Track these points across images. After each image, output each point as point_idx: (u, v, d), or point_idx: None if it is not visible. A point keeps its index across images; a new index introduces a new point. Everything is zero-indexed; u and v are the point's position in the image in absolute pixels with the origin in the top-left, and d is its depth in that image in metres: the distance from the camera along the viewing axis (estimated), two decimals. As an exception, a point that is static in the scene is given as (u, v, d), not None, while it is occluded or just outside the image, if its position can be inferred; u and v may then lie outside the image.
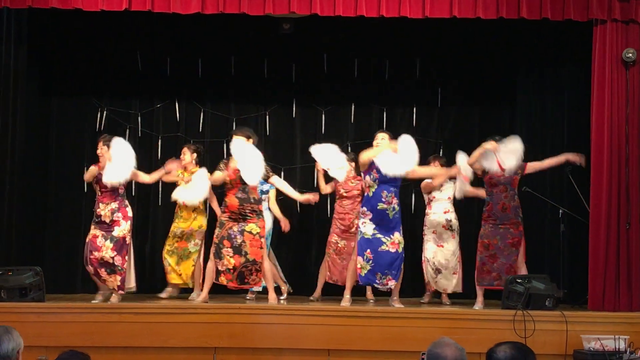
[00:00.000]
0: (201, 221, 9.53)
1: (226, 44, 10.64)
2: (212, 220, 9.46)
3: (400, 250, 8.69)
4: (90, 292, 9.20)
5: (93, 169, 8.93)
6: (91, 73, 10.51)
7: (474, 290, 9.17)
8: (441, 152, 10.46)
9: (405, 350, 7.87)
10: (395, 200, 8.71)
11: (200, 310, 8.31)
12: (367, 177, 8.73)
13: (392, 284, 8.69)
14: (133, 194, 10.27)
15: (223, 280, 8.69)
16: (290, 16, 9.49)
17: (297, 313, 8.28)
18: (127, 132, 10.42)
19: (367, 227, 8.65)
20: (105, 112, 10.51)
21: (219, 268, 8.65)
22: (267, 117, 10.74)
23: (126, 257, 8.83)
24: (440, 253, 9.55)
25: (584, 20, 8.86)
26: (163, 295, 9.46)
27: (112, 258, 8.72)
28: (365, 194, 8.85)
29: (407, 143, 8.77)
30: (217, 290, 9.33)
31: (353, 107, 10.78)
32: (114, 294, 8.78)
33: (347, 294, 8.83)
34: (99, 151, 8.96)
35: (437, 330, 7.69)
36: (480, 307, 8.77)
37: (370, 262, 8.60)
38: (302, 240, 10.64)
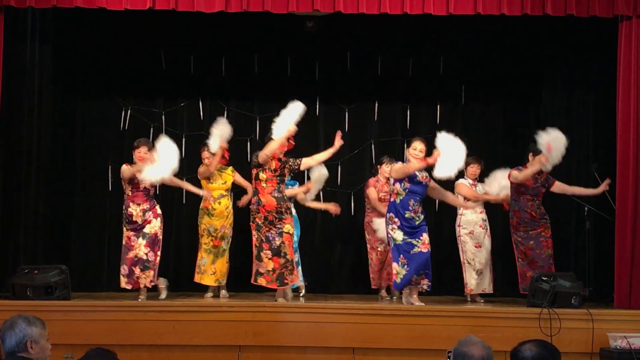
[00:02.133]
0: (232, 217, 9.55)
1: (250, 42, 10.66)
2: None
3: (429, 249, 8.65)
4: (115, 290, 9.23)
5: (128, 169, 8.89)
6: (115, 72, 10.54)
7: (504, 291, 9.15)
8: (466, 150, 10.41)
9: (431, 349, 7.85)
10: (420, 209, 8.68)
11: (225, 309, 8.31)
12: (397, 185, 8.68)
13: (425, 283, 8.63)
14: (157, 192, 10.31)
15: (262, 281, 8.69)
16: (313, 14, 9.48)
17: (322, 311, 8.27)
18: (152, 130, 10.44)
19: (397, 233, 8.62)
20: (129, 111, 10.54)
21: (259, 270, 8.65)
22: (291, 115, 10.72)
23: (158, 253, 8.90)
24: (480, 254, 9.48)
25: (609, 16, 8.80)
26: (209, 294, 9.47)
27: (146, 254, 8.79)
28: (392, 199, 8.77)
29: (448, 141, 8.70)
30: (239, 289, 9.39)
31: (377, 104, 10.77)
32: (161, 292, 8.93)
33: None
34: (141, 154, 8.89)
35: (462, 329, 7.67)
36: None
37: (406, 266, 8.57)
38: (326, 239, 10.64)
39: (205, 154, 9.43)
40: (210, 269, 9.40)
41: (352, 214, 10.57)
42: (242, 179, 9.63)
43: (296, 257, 9.46)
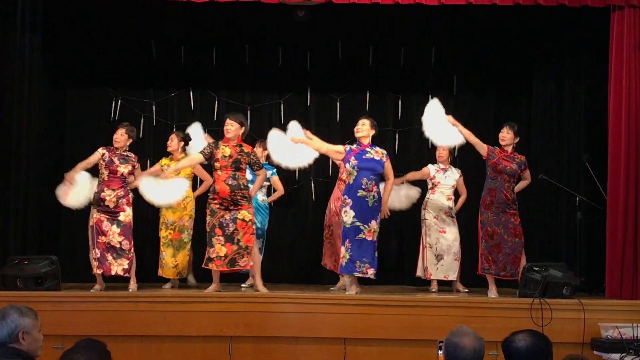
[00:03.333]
0: (191, 209, 9.50)
1: (240, 32, 10.63)
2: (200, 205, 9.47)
3: (374, 238, 8.59)
4: (105, 281, 9.18)
5: (101, 152, 8.87)
6: (106, 62, 10.50)
7: (472, 279, 9.13)
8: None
9: (422, 339, 7.85)
10: (375, 189, 8.61)
11: (216, 299, 8.30)
12: (347, 165, 8.63)
13: (371, 272, 8.58)
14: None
15: (213, 266, 8.63)
16: (304, 4, 9.48)
17: (313, 302, 8.26)
18: (142, 121, 10.41)
19: (347, 216, 8.58)
20: (119, 101, 10.51)
21: (210, 255, 8.62)
22: (282, 105, 10.72)
23: (132, 242, 8.84)
24: (443, 238, 9.47)
25: (601, 6, 8.80)
26: (167, 286, 9.42)
27: (120, 243, 8.74)
28: (346, 181, 8.72)
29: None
30: (229, 279, 9.36)
31: (368, 94, 10.76)
32: (130, 283, 8.82)
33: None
34: (118, 137, 8.88)
35: (454, 319, 7.65)
36: (495, 295, 8.71)
37: (349, 250, 8.55)
38: (318, 230, 10.63)
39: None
40: (171, 262, 9.38)
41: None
42: (203, 172, 9.54)
43: (259, 244, 9.48)
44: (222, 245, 8.55)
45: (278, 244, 10.60)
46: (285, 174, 9.96)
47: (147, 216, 10.13)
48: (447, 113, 9.01)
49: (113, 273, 8.77)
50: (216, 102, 10.62)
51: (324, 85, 10.77)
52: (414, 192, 9.71)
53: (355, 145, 8.73)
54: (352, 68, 10.77)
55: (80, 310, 8.10)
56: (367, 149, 8.63)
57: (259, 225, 9.55)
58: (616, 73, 8.78)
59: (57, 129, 10.39)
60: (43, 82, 9.93)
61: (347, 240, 8.51)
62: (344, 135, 10.28)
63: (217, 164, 8.62)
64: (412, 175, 9.65)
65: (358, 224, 8.51)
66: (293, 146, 8.89)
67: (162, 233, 9.45)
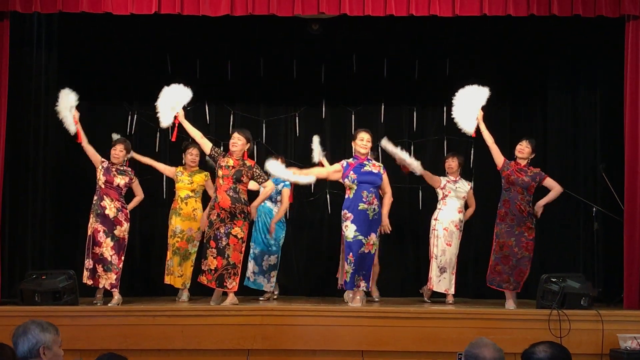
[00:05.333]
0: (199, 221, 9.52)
1: (255, 46, 10.66)
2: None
3: (373, 251, 8.65)
4: (123, 294, 9.20)
5: (99, 158, 9.14)
6: (121, 77, 10.55)
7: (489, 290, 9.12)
8: (472, 151, 10.42)
9: (440, 351, 7.84)
10: (375, 201, 8.67)
11: (233, 313, 8.30)
12: (347, 180, 8.70)
13: (363, 285, 8.64)
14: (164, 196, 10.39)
15: (204, 279, 8.68)
16: (319, 17, 9.49)
17: (330, 314, 8.25)
18: (158, 135, 10.44)
19: (349, 230, 8.61)
20: (136, 115, 10.55)
21: (202, 267, 8.67)
22: (297, 118, 10.74)
23: (122, 258, 8.92)
24: (448, 252, 9.44)
25: (615, 16, 8.78)
26: (184, 298, 9.43)
27: (111, 257, 8.81)
28: (346, 196, 8.77)
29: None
30: (246, 293, 9.37)
31: (383, 107, 10.76)
32: (114, 296, 8.87)
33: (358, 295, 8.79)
34: (117, 152, 9.08)
35: (472, 331, 7.66)
36: (513, 306, 8.67)
37: (352, 264, 8.57)
38: (331, 243, 10.64)
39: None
40: (177, 270, 9.40)
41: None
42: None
43: (274, 261, 9.58)
44: (214, 258, 8.58)
45: (294, 257, 10.60)
46: (300, 186, 9.96)
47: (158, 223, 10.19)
48: (483, 109, 8.95)
49: (100, 286, 8.87)
50: (231, 116, 10.65)
51: (338, 97, 10.79)
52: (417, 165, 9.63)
53: (352, 159, 8.79)
54: (366, 80, 10.78)
55: (98, 325, 8.12)
56: (365, 162, 8.70)
57: (272, 242, 9.59)
58: (631, 82, 8.76)
59: (73, 144, 10.40)
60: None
61: (351, 254, 8.55)
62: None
63: (219, 172, 8.68)
64: (427, 174, 9.58)
65: (360, 237, 8.56)
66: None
67: (171, 240, 9.46)
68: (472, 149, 10.44)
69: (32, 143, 9.54)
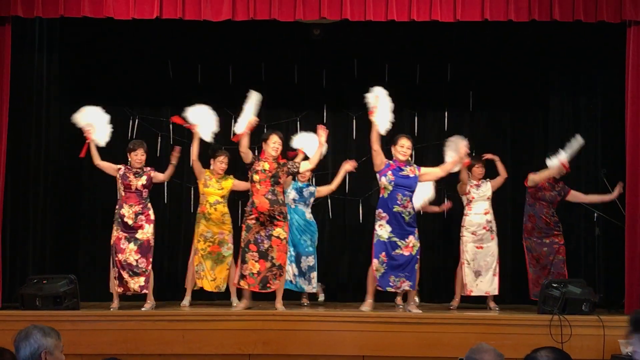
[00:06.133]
0: (229, 223, 9.47)
1: (256, 51, 10.66)
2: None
3: (414, 252, 8.63)
4: (124, 299, 9.20)
5: (115, 166, 9.07)
6: (122, 81, 10.55)
7: (509, 294, 9.10)
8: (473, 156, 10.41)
9: (441, 356, 7.84)
10: (410, 205, 8.67)
11: (234, 317, 8.31)
12: (383, 179, 8.69)
13: (406, 285, 8.63)
14: (165, 200, 10.37)
15: (244, 284, 8.66)
16: (320, 22, 9.49)
17: (332, 319, 8.26)
18: (159, 140, 10.45)
19: (383, 230, 8.61)
20: (137, 120, 10.55)
21: (242, 272, 8.63)
22: (298, 122, 10.73)
23: (150, 260, 8.87)
24: (481, 255, 9.43)
25: (617, 21, 8.78)
26: (185, 303, 9.38)
27: (136, 261, 8.78)
28: (380, 195, 8.77)
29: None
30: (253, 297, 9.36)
31: (384, 111, 10.73)
32: (147, 302, 8.82)
33: (369, 299, 8.77)
34: (138, 156, 9.03)
35: (473, 336, 7.65)
36: None
37: (385, 264, 8.56)
38: (335, 246, 10.64)
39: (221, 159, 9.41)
40: (210, 274, 9.33)
41: (361, 221, 10.54)
42: (242, 183, 9.48)
43: (312, 262, 9.56)
44: (256, 261, 8.57)
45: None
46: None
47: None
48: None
49: (131, 291, 8.81)
50: (232, 121, 10.64)
51: (340, 102, 10.79)
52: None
53: (392, 161, 8.77)
54: (368, 85, 10.72)
55: (99, 329, 8.13)
56: (404, 167, 8.70)
57: (308, 242, 9.62)
58: (633, 88, 8.77)
59: (74, 148, 10.41)
60: (60, 102, 9.99)
61: (384, 253, 8.54)
62: (360, 152, 10.29)
63: (256, 177, 8.66)
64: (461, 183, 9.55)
65: (395, 239, 8.55)
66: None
67: (200, 245, 9.35)
68: (473, 155, 10.40)
69: (33, 148, 9.55)
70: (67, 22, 9.50)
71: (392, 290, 8.68)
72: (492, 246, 9.44)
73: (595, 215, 9.42)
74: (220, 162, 9.45)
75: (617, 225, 9.16)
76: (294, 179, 9.56)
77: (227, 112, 10.64)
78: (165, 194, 10.50)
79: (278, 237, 8.62)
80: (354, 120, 10.72)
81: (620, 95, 9.03)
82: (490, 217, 9.52)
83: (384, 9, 8.72)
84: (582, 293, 8.39)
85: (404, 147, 8.79)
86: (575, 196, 9.15)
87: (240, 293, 9.09)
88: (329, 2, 8.72)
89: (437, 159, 10.32)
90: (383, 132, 8.79)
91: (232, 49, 10.64)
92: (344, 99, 10.80)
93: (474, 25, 9.16)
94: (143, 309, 8.70)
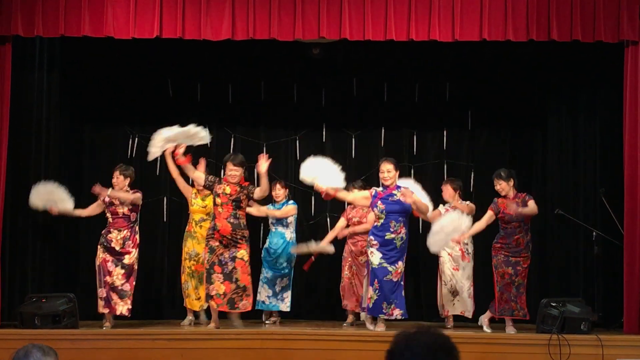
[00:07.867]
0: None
1: (256, 70, 10.69)
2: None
3: (399, 279, 8.65)
4: (122, 318, 9.19)
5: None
6: (123, 100, 10.58)
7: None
8: (472, 175, 10.44)
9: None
10: (403, 230, 8.69)
11: (233, 336, 8.30)
12: (375, 210, 8.73)
13: (397, 312, 8.62)
14: (165, 219, 10.41)
15: (213, 304, 8.67)
16: (319, 41, 9.53)
17: (331, 338, 8.25)
18: (159, 158, 10.45)
19: (374, 257, 8.62)
20: (137, 139, 10.57)
21: (209, 293, 8.64)
22: (298, 141, 10.75)
23: (133, 283, 8.95)
24: (456, 276, 9.40)
25: (614, 41, 8.83)
26: (185, 323, 9.40)
27: (122, 284, 8.84)
28: (375, 224, 8.78)
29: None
30: (248, 316, 9.36)
31: (383, 130, 10.76)
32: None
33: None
34: (115, 180, 9.14)
35: (472, 355, 7.65)
36: (513, 331, 8.65)
37: (377, 291, 8.57)
38: (332, 264, 10.64)
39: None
40: (194, 294, 9.37)
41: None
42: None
43: (286, 282, 9.62)
44: (221, 283, 8.57)
45: (294, 280, 10.57)
46: (301, 209, 10.00)
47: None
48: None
49: (118, 313, 8.86)
50: (232, 139, 10.67)
51: (339, 121, 10.81)
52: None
53: (381, 189, 8.79)
54: (367, 104, 10.82)
55: (98, 348, 8.14)
56: (394, 192, 8.68)
57: (284, 264, 9.62)
58: (631, 108, 8.80)
59: (74, 167, 10.45)
60: (61, 121, 10.01)
61: (376, 280, 8.53)
62: (359, 171, 10.33)
63: (217, 200, 8.69)
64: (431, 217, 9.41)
65: (385, 265, 8.55)
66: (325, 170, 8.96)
67: (187, 263, 9.43)
68: (472, 174, 10.47)
69: (33, 165, 9.55)
70: (67, 41, 9.53)
71: (386, 317, 8.66)
72: (467, 268, 9.43)
73: (594, 234, 9.43)
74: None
75: (615, 245, 9.17)
76: (272, 202, 9.62)
77: (226, 131, 10.68)
78: (165, 212, 10.51)
79: (242, 259, 8.63)
80: (353, 139, 10.74)
81: (619, 116, 9.05)
82: (466, 240, 9.43)
83: (382, 28, 8.76)
84: (581, 312, 8.40)
85: (383, 173, 8.81)
86: (532, 205, 8.94)
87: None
88: (328, 22, 8.76)
89: (436, 178, 10.37)
90: (341, 185, 8.90)
91: (232, 68, 10.67)
92: (343, 117, 10.82)
93: (473, 44, 9.19)
94: (103, 328, 8.74)
